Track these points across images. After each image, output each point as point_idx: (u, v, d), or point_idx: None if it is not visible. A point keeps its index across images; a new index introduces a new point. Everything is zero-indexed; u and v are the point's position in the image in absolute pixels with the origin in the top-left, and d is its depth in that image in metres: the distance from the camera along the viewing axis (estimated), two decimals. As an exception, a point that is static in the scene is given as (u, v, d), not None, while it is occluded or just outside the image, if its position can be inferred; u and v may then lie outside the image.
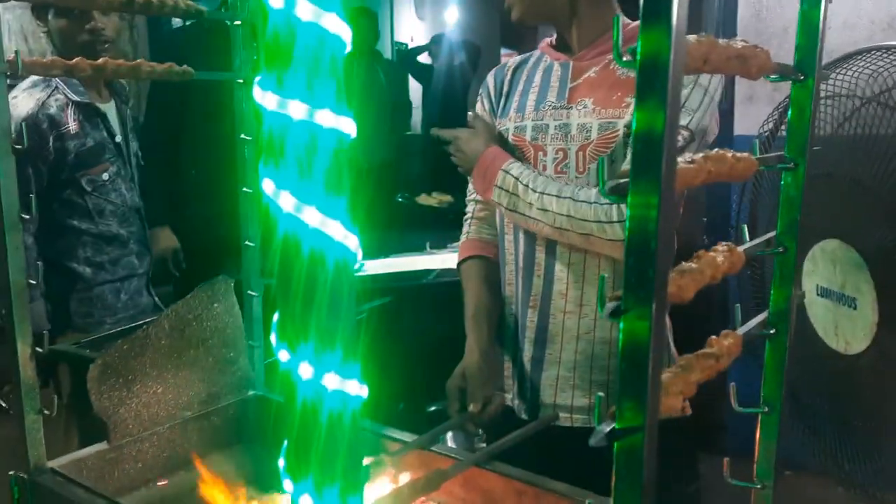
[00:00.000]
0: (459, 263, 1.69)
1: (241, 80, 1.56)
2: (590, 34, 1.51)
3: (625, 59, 0.65)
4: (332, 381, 0.69)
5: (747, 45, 0.84)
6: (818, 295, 2.01)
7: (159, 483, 1.48)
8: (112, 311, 2.41)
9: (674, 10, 0.61)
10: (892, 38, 2.63)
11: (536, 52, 1.64)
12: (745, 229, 1.01)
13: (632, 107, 1.40)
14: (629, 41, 0.63)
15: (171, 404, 1.50)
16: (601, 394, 0.71)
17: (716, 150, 0.85)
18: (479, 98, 1.69)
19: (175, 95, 2.87)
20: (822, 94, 2.02)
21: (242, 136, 1.57)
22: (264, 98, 0.67)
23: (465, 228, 1.71)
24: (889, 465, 1.92)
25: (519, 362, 1.57)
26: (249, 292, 1.63)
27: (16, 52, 1.23)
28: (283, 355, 0.70)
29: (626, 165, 0.68)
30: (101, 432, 1.44)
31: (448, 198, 3.98)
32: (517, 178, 1.46)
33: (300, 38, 0.65)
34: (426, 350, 2.35)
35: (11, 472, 1.34)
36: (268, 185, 0.68)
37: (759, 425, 1.04)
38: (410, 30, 7.34)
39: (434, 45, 5.92)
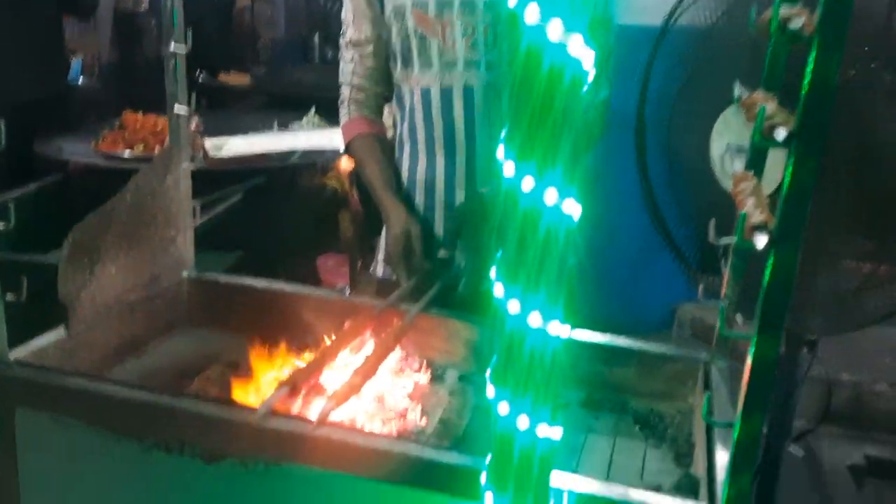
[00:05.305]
0: (350, 142, 1.72)
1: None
2: None
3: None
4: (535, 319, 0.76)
5: None
6: None
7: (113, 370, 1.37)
8: None
9: None
10: None
11: None
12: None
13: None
14: None
15: (119, 287, 1.37)
16: None
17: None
18: None
19: None
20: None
21: None
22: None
23: (343, 110, 1.73)
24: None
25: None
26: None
27: None
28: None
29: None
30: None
31: (246, 78, 3.76)
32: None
33: None
34: (305, 228, 2.32)
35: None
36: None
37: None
38: None
39: None
